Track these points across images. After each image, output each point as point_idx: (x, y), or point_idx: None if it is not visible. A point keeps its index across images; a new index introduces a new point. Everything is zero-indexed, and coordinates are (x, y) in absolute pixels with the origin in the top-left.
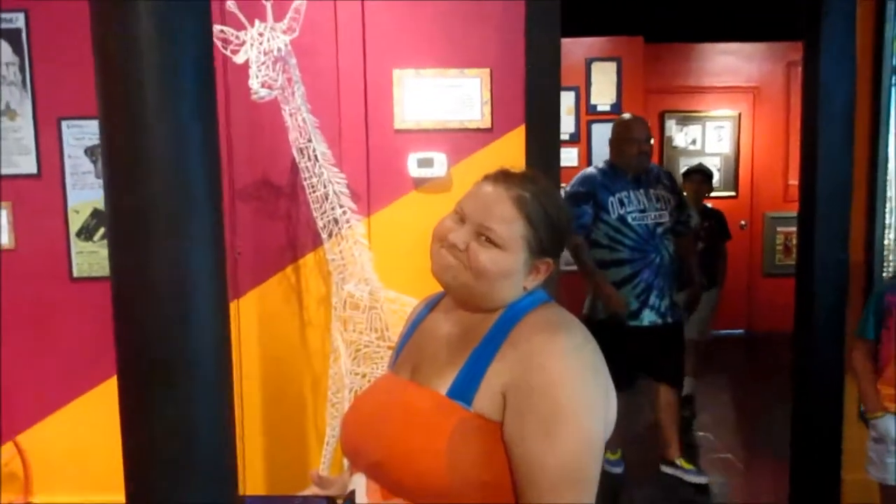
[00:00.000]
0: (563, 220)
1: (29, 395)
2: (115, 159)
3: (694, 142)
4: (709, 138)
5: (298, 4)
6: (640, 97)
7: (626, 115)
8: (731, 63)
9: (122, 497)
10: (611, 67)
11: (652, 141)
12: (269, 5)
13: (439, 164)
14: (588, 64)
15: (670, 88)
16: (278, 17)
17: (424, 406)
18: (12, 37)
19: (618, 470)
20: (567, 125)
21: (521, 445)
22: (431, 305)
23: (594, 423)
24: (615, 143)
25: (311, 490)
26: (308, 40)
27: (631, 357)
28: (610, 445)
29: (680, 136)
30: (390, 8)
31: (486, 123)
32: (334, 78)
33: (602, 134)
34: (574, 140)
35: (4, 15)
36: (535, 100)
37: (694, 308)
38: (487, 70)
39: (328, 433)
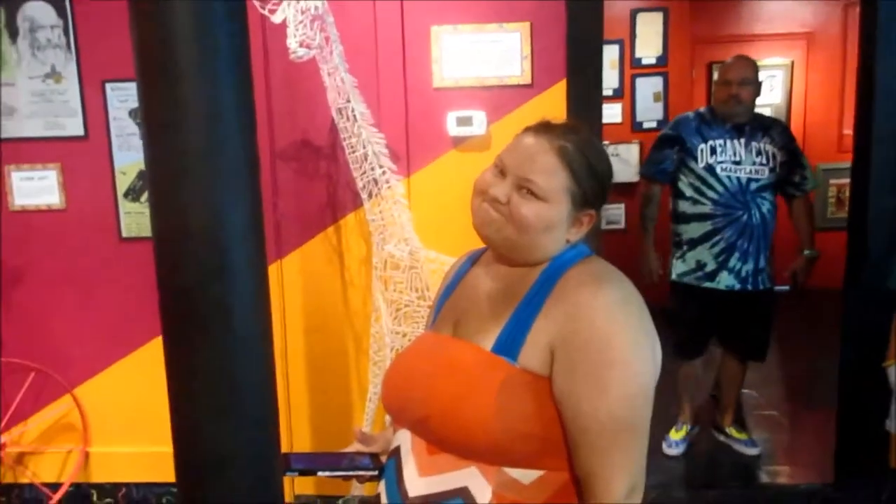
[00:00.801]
0: (606, 171)
1: (83, 351)
2: (152, 117)
3: None
4: None
5: None
6: (687, 48)
7: (735, 57)
8: (782, 8)
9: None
10: (656, 18)
11: (755, 83)
12: None
13: (478, 122)
14: (633, 15)
15: (719, 38)
16: None
17: (469, 361)
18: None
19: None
20: (610, 80)
21: (572, 398)
22: (472, 261)
23: (644, 371)
24: (714, 85)
25: (355, 447)
26: None
27: (703, 321)
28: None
29: None
30: None
31: (527, 79)
32: (372, 37)
33: (647, 88)
34: (618, 95)
35: None
36: (576, 53)
37: (802, 280)
38: (527, 24)
39: (370, 390)
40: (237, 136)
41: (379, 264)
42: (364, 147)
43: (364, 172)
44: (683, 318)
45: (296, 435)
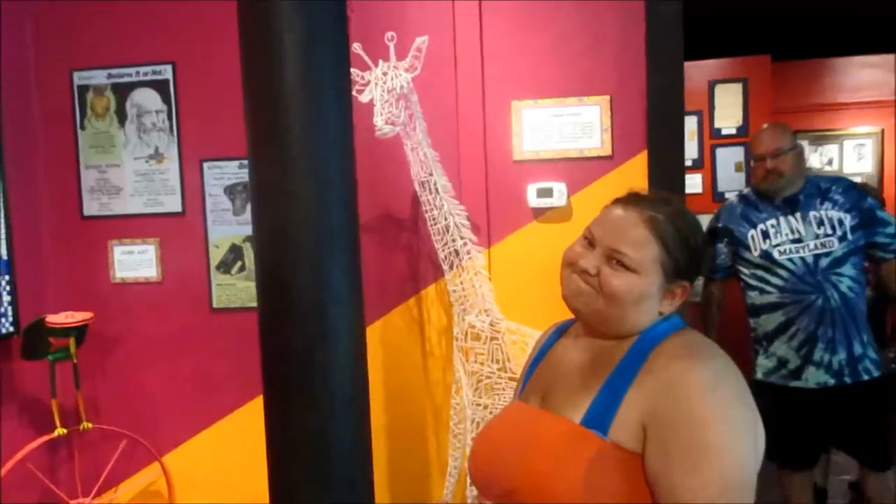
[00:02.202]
0: (698, 242)
1: (172, 419)
2: (263, 188)
3: (830, 162)
4: (847, 157)
5: (420, 42)
6: (768, 118)
7: (762, 128)
8: (870, 76)
9: None
10: (736, 89)
11: (793, 150)
12: (391, 45)
13: (559, 193)
14: (711, 87)
15: (802, 107)
16: (400, 56)
17: (559, 434)
18: (161, 87)
19: None
20: (689, 151)
21: (665, 480)
22: (560, 332)
23: (743, 456)
24: (752, 162)
25: None
26: (428, 75)
27: (803, 426)
28: None
29: (815, 156)
30: (508, 40)
31: (607, 151)
32: (453, 111)
33: (727, 158)
34: (697, 166)
35: (154, 67)
36: (657, 125)
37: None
38: (607, 97)
39: (450, 464)
40: (340, 203)
41: (460, 335)
42: (446, 219)
43: (445, 244)
44: (779, 423)
45: None
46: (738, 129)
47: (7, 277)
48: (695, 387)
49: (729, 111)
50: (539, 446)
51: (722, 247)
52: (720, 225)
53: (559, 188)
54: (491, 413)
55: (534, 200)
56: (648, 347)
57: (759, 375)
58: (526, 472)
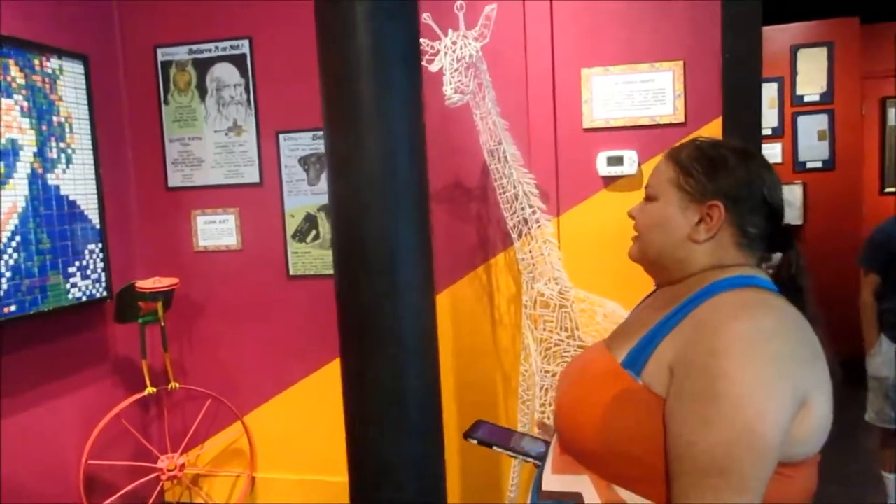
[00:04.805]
0: (721, 155)
1: (253, 381)
2: (335, 153)
3: None
4: None
5: (490, 10)
6: (855, 84)
7: None
8: None
9: (331, 477)
10: (820, 53)
11: None
12: (461, 14)
13: (629, 161)
14: (793, 51)
15: (892, 72)
16: (470, 25)
17: (598, 369)
18: (238, 61)
19: None
20: (769, 118)
21: (674, 423)
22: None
23: (760, 417)
24: None
25: (536, 433)
26: (497, 44)
27: None
28: None
29: None
30: (579, 6)
31: (679, 117)
32: (523, 80)
33: (809, 126)
34: (777, 134)
35: (232, 42)
36: (732, 91)
37: None
38: (681, 62)
39: (518, 429)
40: (410, 171)
41: (529, 303)
42: (515, 187)
43: (514, 212)
44: None
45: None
46: (822, 95)
47: (100, 245)
48: (722, 337)
49: (812, 77)
50: (580, 377)
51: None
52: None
53: (630, 156)
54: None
55: (603, 169)
56: (701, 298)
57: None
58: (564, 397)
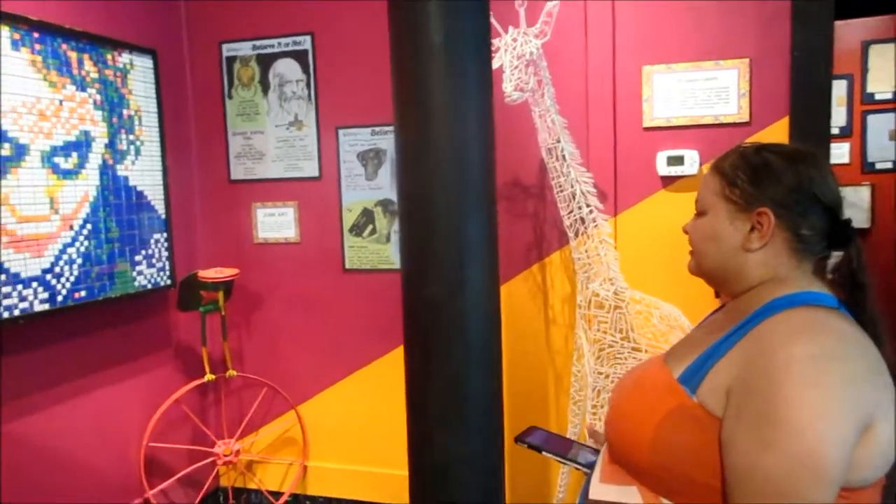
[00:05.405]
0: (766, 160)
1: (307, 371)
2: (406, 149)
3: None
4: None
5: (551, 7)
6: None
7: None
8: None
9: (380, 469)
10: (892, 50)
11: None
12: (522, 11)
13: (690, 161)
14: (864, 47)
15: None
16: (531, 22)
17: (653, 382)
18: (300, 57)
19: None
20: (837, 117)
21: (732, 445)
22: None
23: (822, 443)
24: None
25: (588, 441)
26: (558, 41)
27: None
28: None
29: None
30: (642, 3)
31: (744, 117)
32: (583, 78)
33: (879, 126)
34: (845, 134)
35: (294, 38)
36: (801, 89)
37: None
38: (746, 60)
39: (569, 430)
40: (479, 167)
41: (583, 303)
42: (572, 186)
43: (571, 211)
44: None
45: None
46: (894, 93)
47: (165, 235)
48: (781, 360)
49: (884, 74)
50: (635, 389)
51: None
52: None
53: (691, 156)
54: (612, 382)
55: (663, 168)
56: (762, 317)
57: None
58: (617, 408)
